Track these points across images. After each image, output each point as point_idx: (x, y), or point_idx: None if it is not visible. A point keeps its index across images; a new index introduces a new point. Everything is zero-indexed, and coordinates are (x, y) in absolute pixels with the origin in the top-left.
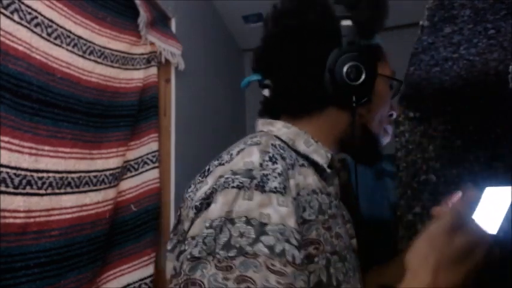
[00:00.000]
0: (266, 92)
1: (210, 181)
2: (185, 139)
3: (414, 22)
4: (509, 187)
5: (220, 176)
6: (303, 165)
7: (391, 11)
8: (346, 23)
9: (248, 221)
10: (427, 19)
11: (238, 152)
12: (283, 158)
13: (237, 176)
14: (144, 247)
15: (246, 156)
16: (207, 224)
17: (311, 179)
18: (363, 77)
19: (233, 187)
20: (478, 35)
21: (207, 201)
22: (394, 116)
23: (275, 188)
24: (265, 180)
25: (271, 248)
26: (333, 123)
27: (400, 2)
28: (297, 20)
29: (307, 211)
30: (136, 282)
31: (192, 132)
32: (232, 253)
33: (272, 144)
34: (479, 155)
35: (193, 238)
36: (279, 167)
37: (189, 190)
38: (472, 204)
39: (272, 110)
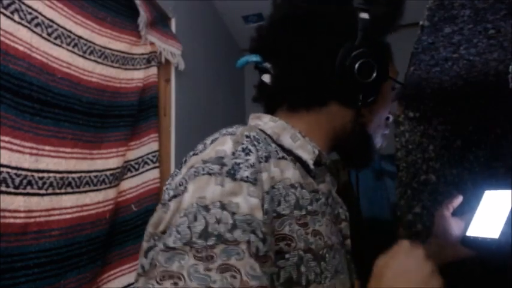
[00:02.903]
0: (266, 78)
1: (183, 171)
2: (185, 139)
3: (414, 22)
4: (509, 191)
5: (191, 166)
6: (282, 157)
7: None
8: (364, 16)
9: (223, 206)
10: (427, 19)
11: (212, 142)
12: (257, 150)
13: (207, 164)
14: None
15: (219, 145)
16: (180, 214)
17: (290, 172)
18: (374, 75)
19: (203, 174)
20: (478, 35)
21: (177, 192)
22: (391, 119)
23: (246, 177)
24: (236, 169)
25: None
26: (332, 120)
27: None
28: (313, 5)
29: (281, 205)
30: None
31: (192, 132)
32: (211, 241)
33: (246, 136)
34: (479, 155)
35: (163, 232)
36: (252, 158)
37: (167, 183)
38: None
39: (270, 97)
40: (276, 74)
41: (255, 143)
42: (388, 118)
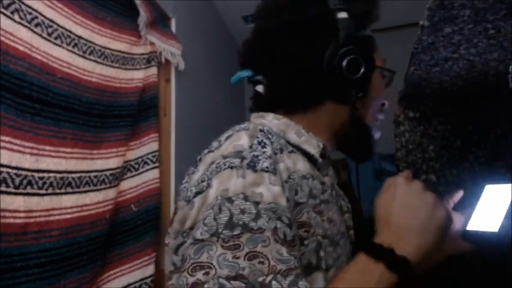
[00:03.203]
0: (260, 88)
1: (201, 169)
2: (185, 139)
3: (414, 22)
4: (510, 185)
5: (212, 163)
6: (292, 151)
7: (391, 11)
8: (342, 15)
9: (246, 198)
10: (427, 19)
11: (227, 138)
12: (272, 143)
13: (227, 159)
14: (144, 247)
15: (235, 140)
16: (207, 208)
17: (301, 164)
18: (362, 70)
19: (225, 168)
20: (478, 35)
21: (200, 189)
22: (386, 105)
23: (266, 167)
24: (255, 161)
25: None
26: (329, 119)
27: (400, 2)
28: (293, 14)
29: (299, 194)
30: (137, 282)
31: (192, 132)
32: (237, 231)
33: (260, 130)
34: (479, 155)
35: (191, 228)
36: (268, 150)
37: (184, 182)
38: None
39: (265, 106)
40: (268, 84)
41: (269, 135)
42: (383, 104)
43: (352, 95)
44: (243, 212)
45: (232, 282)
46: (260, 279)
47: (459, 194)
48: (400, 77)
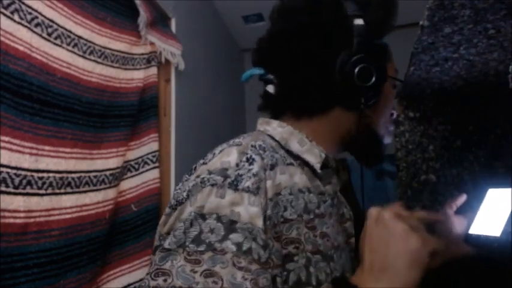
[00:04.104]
0: (270, 88)
1: (191, 179)
2: (185, 139)
3: (414, 22)
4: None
5: (198, 176)
6: (290, 163)
7: None
8: (358, 22)
9: (219, 218)
10: (427, 19)
11: (220, 152)
12: (262, 159)
13: (212, 175)
14: (144, 247)
15: (225, 156)
16: (180, 220)
17: (298, 178)
18: (374, 78)
19: (207, 185)
20: (478, 35)
21: (180, 200)
22: (395, 115)
23: (248, 187)
24: (239, 179)
25: (239, 245)
26: (336, 125)
27: (400, 2)
28: (309, 17)
29: (288, 210)
30: (137, 282)
31: (192, 132)
32: (201, 247)
33: (252, 146)
34: (479, 155)
35: (167, 233)
36: (255, 167)
37: (177, 188)
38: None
39: (274, 107)
40: (279, 85)
41: (260, 151)
42: (392, 114)
43: (361, 103)
44: (211, 231)
45: None
46: None
47: (462, 198)
48: (400, 77)
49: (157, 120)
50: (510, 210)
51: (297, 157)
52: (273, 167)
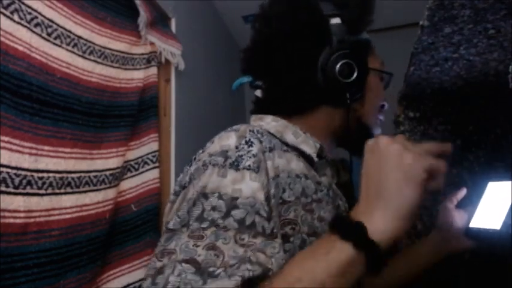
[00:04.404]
0: (259, 93)
1: (193, 166)
2: (185, 139)
3: (414, 22)
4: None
5: (199, 160)
6: (286, 150)
7: (391, 11)
8: (335, 21)
9: (220, 196)
10: (427, 19)
11: (218, 138)
12: (260, 142)
13: (212, 157)
14: (144, 247)
15: (224, 140)
16: (184, 201)
17: (294, 164)
18: (355, 73)
19: (208, 166)
20: (478, 35)
21: (183, 184)
22: (386, 107)
23: (249, 165)
24: (239, 160)
25: (241, 221)
26: (326, 121)
27: (400, 2)
28: (288, 22)
29: (286, 192)
30: (137, 282)
31: (192, 132)
32: (204, 224)
33: (250, 130)
34: (479, 155)
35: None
36: (254, 149)
37: (178, 179)
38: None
39: (264, 110)
40: (266, 89)
41: (259, 135)
42: (383, 106)
43: (347, 99)
44: (214, 209)
45: (184, 264)
46: (211, 269)
47: (462, 192)
48: (400, 77)
49: (157, 120)
50: (510, 203)
51: (292, 148)
52: (271, 149)
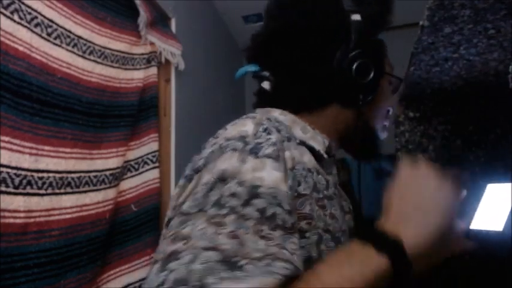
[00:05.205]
0: (266, 85)
1: (207, 150)
2: (185, 139)
3: (414, 22)
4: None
5: (214, 144)
6: (299, 143)
7: None
8: (356, 17)
9: (240, 183)
10: (427, 19)
11: (233, 125)
12: (279, 131)
13: (231, 141)
14: (144, 247)
15: (240, 126)
16: (200, 184)
17: (307, 157)
18: (372, 74)
19: (227, 150)
20: (478, 35)
21: (199, 167)
22: (391, 112)
23: (269, 154)
24: (259, 147)
25: (262, 211)
26: (333, 121)
27: (400, 2)
28: (305, 14)
29: (302, 185)
30: (137, 282)
31: (192, 132)
32: (224, 211)
33: (267, 118)
34: (479, 155)
35: (183, 203)
36: (273, 137)
37: (189, 165)
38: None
39: (271, 103)
40: (276, 82)
41: (276, 124)
42: (388, 111)
43: (359, 99)
44: (233, 195)
45: (207, 252)
46: (235, 259)
47: (462, 194)
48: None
49: (157, 120)
50: (511, 205)
51: (301, 143)
52: (289, 139)
